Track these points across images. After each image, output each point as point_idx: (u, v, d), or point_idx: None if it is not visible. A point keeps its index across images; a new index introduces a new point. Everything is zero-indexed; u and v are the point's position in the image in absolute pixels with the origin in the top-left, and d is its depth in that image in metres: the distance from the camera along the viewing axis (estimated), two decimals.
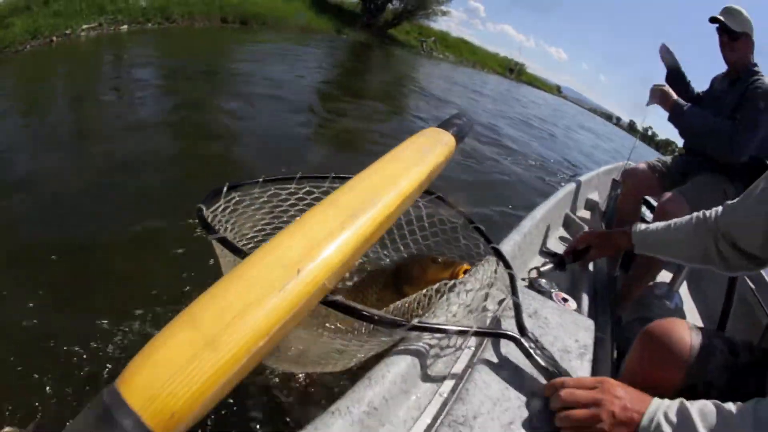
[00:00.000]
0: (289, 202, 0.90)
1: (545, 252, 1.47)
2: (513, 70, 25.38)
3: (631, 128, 29.13)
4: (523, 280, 1.16)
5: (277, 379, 1.24)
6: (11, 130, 3.76)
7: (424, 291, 0.74)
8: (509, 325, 0.75)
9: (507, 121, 8.63)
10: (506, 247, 1.19)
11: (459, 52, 22.79)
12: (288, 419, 1.17)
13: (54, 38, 10.86)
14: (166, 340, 0.37)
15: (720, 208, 0.89)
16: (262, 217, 0.88)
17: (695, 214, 0.94)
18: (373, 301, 1.04)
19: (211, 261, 0.97)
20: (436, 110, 7.27)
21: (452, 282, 0.76)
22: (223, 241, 0.63)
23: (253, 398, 1.20)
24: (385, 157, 0.64)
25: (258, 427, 1.16)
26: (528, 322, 0.77)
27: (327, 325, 0.77)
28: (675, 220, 0.98)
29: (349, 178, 0.64)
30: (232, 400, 1.17)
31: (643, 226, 1.03)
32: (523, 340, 0.67)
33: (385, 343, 0.69)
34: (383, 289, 1.05)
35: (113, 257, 1.82)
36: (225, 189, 0.80)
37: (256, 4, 15.85)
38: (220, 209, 0.79)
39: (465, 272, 0.91)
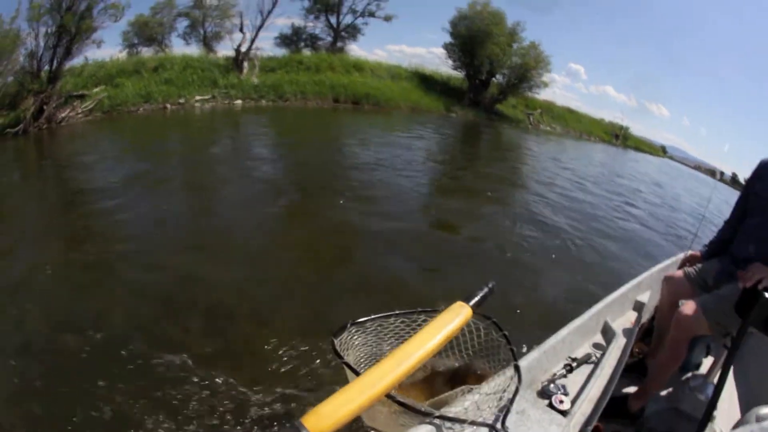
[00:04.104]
0: (389, 329, 1.45)
1: (569, 360, 1.74)
2: (618, 136, 24.68)
3: (734, 181, 25.17)
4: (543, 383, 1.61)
5: None
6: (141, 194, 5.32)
7: (451, 392, 1.34)
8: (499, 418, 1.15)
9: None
10: (534, 354, 1.58)
11: (565, 122, 22.94)
12: None
13: (168, 105, 12.46)
14: (325, 403, 0.93)
15: None
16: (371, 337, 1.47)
17: None
18: (432, 391, 1.67)
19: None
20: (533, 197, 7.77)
21: (470, 387, 1.34)
22: (347, 365, 1.23)
23: None
24: (426, 327, 1.25)
25: None
26: (513, 418, 1.18)
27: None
28: None
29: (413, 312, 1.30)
30: None
31: None
32: (498, 428, 1.11)
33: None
34: (437, 384, 1.67)
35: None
36: (349, 324, 1.37)
37: (366, 85, 17.02)
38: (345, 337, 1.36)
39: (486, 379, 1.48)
